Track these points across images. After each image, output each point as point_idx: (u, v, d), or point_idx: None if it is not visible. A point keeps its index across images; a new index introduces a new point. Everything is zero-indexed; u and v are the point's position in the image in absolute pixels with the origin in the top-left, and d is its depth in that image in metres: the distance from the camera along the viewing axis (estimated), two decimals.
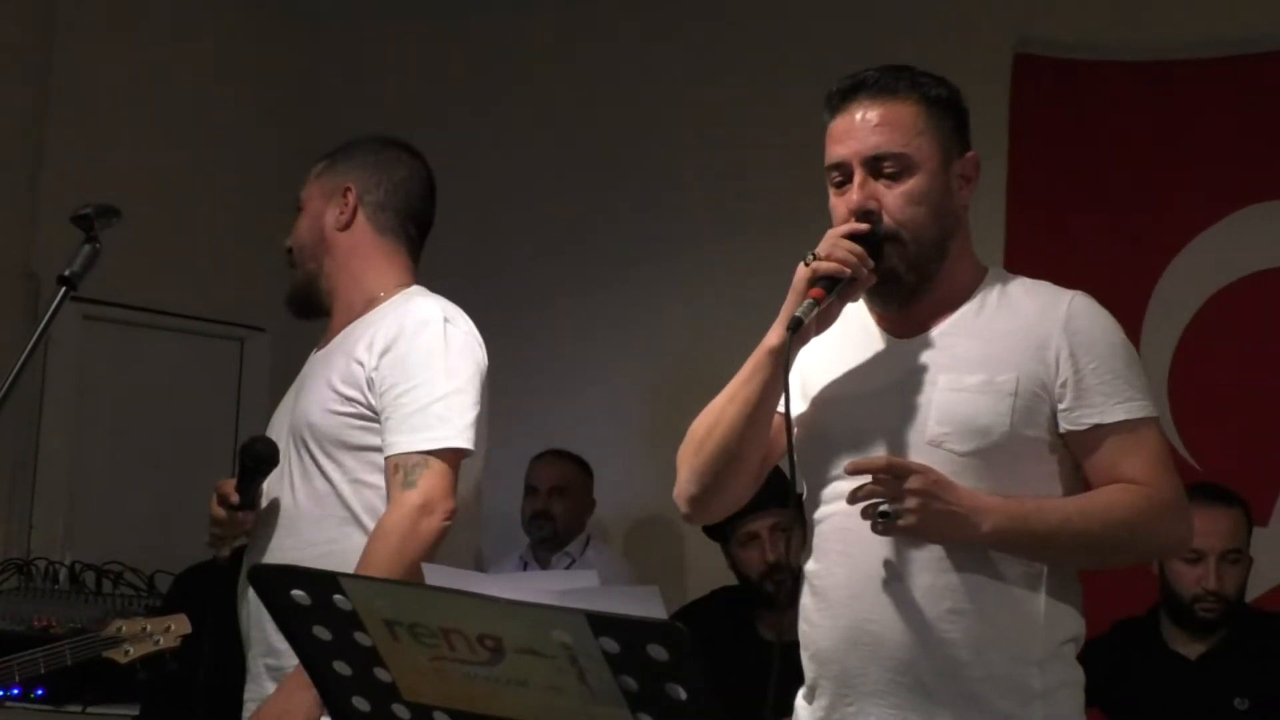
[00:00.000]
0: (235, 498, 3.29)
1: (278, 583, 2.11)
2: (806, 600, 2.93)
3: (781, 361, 2.77)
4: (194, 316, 6.18)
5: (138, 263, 5.87)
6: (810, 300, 2.74)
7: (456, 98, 6.67)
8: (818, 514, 2.92)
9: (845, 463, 2.81)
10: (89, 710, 4.77)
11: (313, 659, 2.15)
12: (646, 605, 1.90)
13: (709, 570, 5.35)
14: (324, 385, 3.32)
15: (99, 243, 3.03)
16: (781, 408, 2.85)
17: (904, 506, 2.65)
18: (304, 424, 3.32)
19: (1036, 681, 2.77)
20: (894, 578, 2.78)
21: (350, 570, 2.98)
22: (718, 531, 5.12)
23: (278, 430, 3.43)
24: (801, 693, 2.95)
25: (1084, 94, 5.58)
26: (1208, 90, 5.44)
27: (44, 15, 6.07)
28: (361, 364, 3.28)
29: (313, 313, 3.49)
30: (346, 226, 3.44)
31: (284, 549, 3.26)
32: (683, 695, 1.87)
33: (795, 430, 2.89)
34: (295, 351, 3.80)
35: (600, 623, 1.87)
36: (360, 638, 2.07)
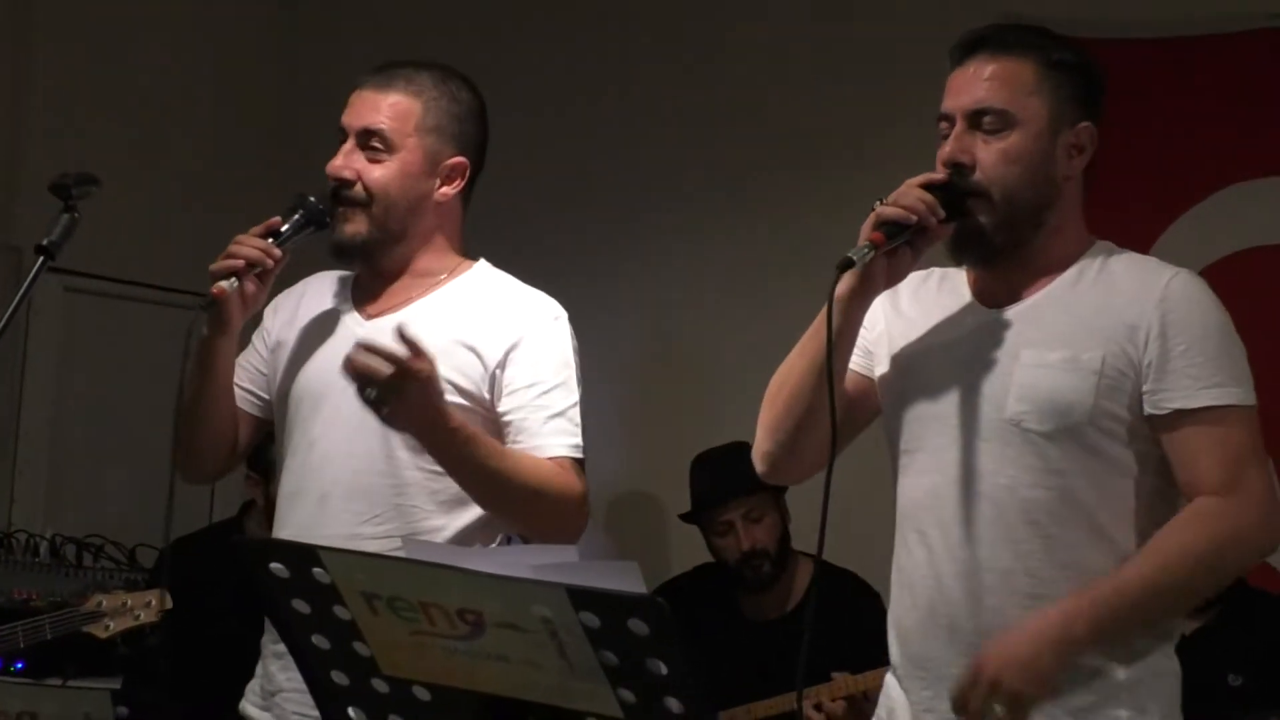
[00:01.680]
0: (282, 225, 3.14)
1: (256, 556, 2.10)
2: (894, 578, 2.88)
3: (844, 308, 2.72)
4: (176, 289, 6.14)
5: (119, 235, 5.85)
6: (868, 244, 2.68)
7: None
8: (899, 485, 2.87)
9: (922, 436, 2.80)
10: (69, 684, 4.75)
11: (291, 633, 2.14)
12: (626, 580, 1.89)
13: (691, 546, 5.35)
14: None
15: (77, 212, 3.00)
16: (856, 363, 2.84)
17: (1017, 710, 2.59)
18: None
19: (1121, 673, 2.71)
20: (972, 560, 2.72)
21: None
22: (694, 519, 5.15)
23: (313, 390, 3.20)
24: (889, 671, 2.90)
25: None
26: (1194, 68, 5.43)
27: None
28: (479, 355, 3.16)
29: (361, 264, 3.27)
30: (448, 199, 3.28)
31: (365, 536, 3.06)
32: (663, 670, 1.86)
33: (881, 397, 2.88)
34: None
35: (581, 597, 1.86)
36: (339, 611, 2.06)
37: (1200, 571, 2.68)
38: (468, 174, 3.29)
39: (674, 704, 1.88)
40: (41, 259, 2.98)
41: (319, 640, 2.11)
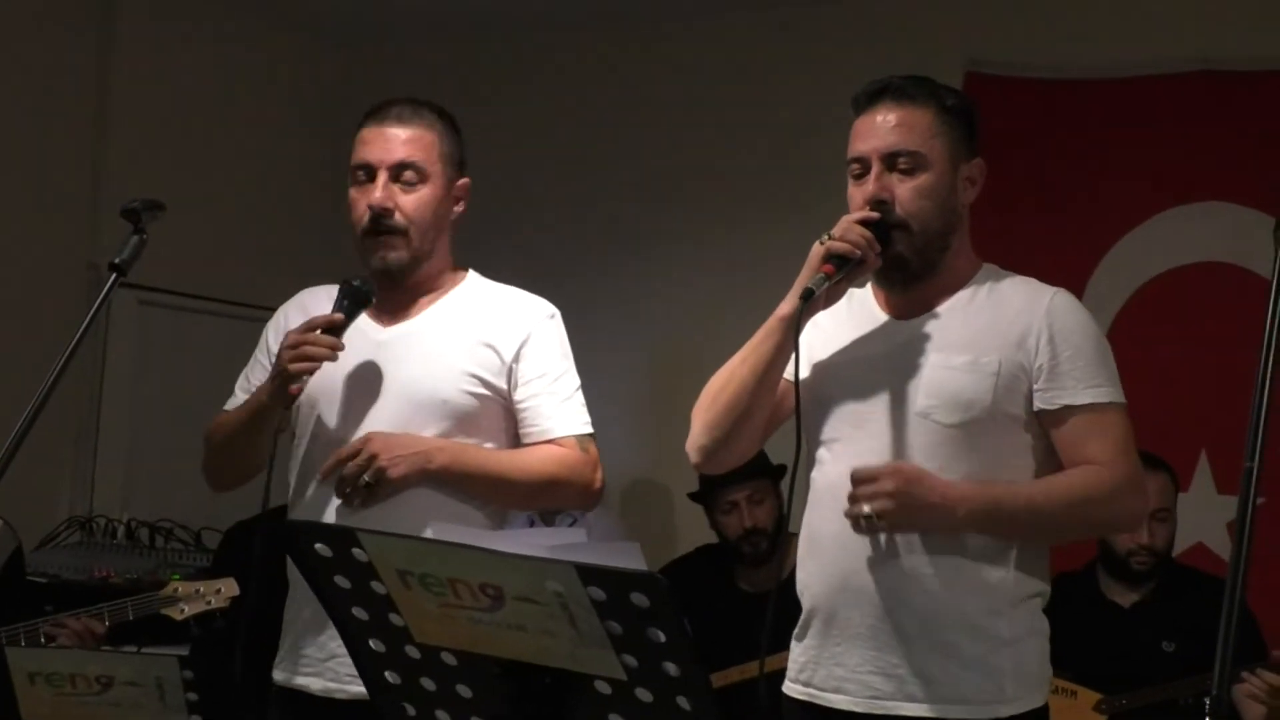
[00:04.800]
0: (343, 319, 3.10)
1: (302, 537, 2.10)
2: (803, 548, 2.95)
3: (792, 328, 2.77)
4: (240, 303, 6.14)
5: (189, 253, 5.84)
6: (822, 274, 2.76)
7: (476, 97, 6.61)
8: (814, 472, 2.92)
9: (840, 428, 2.85)
10: (143, 650, 4.74)
11: (334, 605, 2.13)
12: (628, 558, 1.90)
13: (695, 530, 5.35)
14: (447, 366, 3.15)
15: (146, 233, 3.02)
16: (789, 372, 2.84)
17: (883, 507, 2.66)
18: (433, 400, 3.14)
19: (1005, 630, 2.77)
20: (880, 532, 2.77)
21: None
22: (702, 498, 5.14)
23: (340, 392, 3.18)
24: (795, 632, 2.95)
25: (1026, 108, 5.59)
26: (1137, 106, 5.46)
27: (104, 24, 6.01)
28: (496, 351, 3.17)
29: (393, 285, 3.22)
30: (457, 218, 3.29)
31: (402, 523, 2.91)
32: (662, 638, 1.86)
33: (803, 396, 2.88)
34: None
35: (589, 573, 1.86)
36: (376, 586, 2.05)
37: (1074, 512, 2.77)
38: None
39: (672, 668, 1.87)
40: (114, 275, 2.99)
41: (358, 612, 2.10)
